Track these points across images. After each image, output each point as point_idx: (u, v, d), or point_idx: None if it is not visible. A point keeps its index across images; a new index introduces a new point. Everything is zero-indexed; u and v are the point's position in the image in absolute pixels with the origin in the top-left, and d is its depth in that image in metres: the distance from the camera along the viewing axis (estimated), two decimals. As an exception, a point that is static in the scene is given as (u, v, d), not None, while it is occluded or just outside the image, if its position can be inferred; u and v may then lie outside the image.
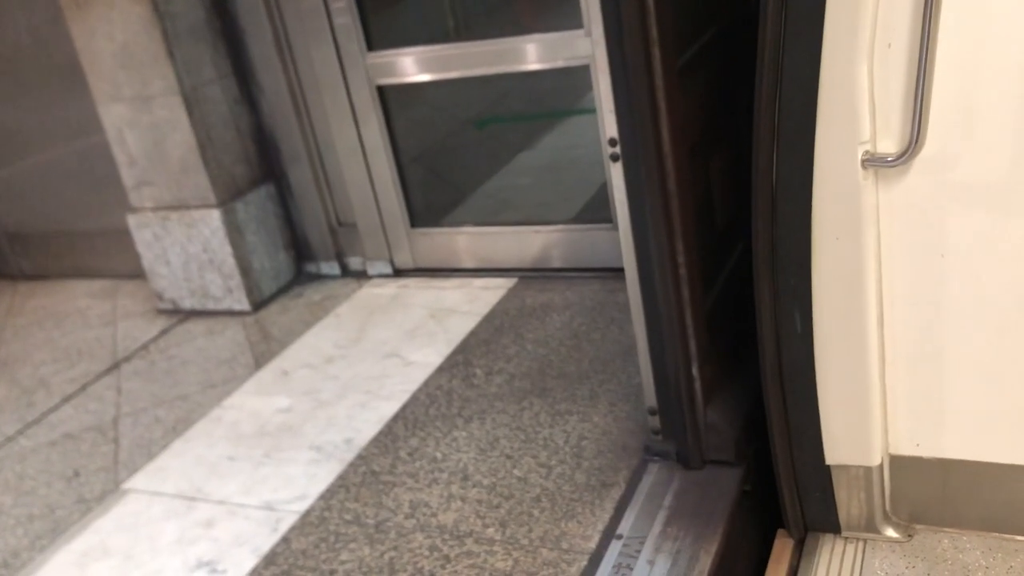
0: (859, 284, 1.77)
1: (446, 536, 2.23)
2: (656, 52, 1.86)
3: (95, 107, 3.61)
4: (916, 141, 1.62)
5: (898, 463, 1.97)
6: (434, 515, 2.31)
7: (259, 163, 3.76)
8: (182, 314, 3.85)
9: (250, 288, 3.72)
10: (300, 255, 3.95)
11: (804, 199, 1.73)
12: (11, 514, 2.70)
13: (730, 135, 2.31)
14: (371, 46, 3.46)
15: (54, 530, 2.58)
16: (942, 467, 1.94)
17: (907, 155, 1.64)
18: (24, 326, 4.08)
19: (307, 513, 2.42)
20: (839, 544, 2.07)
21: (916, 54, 1.56)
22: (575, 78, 3.39)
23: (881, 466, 1.97)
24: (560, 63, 3.24)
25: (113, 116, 3.60)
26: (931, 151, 1.65)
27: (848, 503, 2.03)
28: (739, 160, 2.34)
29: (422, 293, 3.61)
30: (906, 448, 1.95)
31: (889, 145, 1.67)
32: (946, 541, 2.00)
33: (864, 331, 1.81)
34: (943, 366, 1.84)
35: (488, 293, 3.49)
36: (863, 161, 1.67)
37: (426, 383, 2.93)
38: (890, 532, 2.04)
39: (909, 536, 2.03)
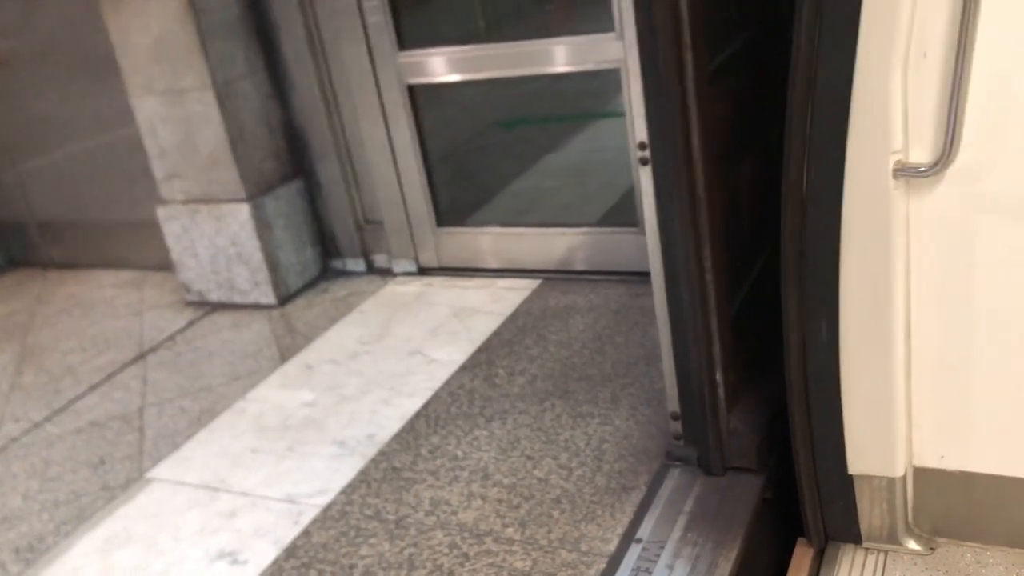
0: (887, 294, 1.76)
1: (465, 534, 2.24)
2: (688, 57, 1.86)
3: (128, 99, 3.66)
4: (949, 152, 1.61)
5: (922, 475, 1.96)
6: (454, 513, 2.32)
7: (288, 159, 3.79)
8: (209, 306, 3.88)
9: (276, 282, 3.75)
10: (326, 251, 3.98)
11: (834, 207, 1.72)
12: (37, 499, 2.73)
13: (759, 141, 2.31)
14: (402, 45, 3.48)
15: (79, 516, 2.62)
16: (967, 480, 1.92)
17: (939, 165, 1.63)
18: (53, 314, 4.13)
19: (328, 507, 2.44)
20: (859, 555, 2.06)
21: (951, 64, 1.55)
22: (603, 81, 3.40)
23: (904, 478, 1.96)
24: (590, 66, 3.25)
25: (146, 109, 3.64)
26: (964, 162, 1.64)
27: (870, 514, 2.02)
28: (768, 166, 2.33)
29: (446, 292, 3.63)
30: (930, 460, 1.94)
31: (921, 155, 1.66)
32: (969, 556, 1.98)
33: (891, 341, 1.80)
34: (970, 378, 1.82)
35: (512, 294, 3.50)
36: (894, 171, 1.66)
37: (448, 381, 2.95)
38: (912, 545, 2.03)
39: (931, 549, 2.02)
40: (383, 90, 3.55)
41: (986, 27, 1.53)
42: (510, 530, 2.23)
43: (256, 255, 3.69)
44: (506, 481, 2.41)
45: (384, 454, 2.62)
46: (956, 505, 1.97)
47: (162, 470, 2.77)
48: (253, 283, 3.76)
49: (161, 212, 3.82)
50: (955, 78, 1.55)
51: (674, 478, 2.29)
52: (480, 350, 3.11)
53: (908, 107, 1.62)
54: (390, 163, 3.67)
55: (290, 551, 2.30)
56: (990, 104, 1.59)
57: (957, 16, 1.52)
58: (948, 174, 1.66)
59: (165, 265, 4.03)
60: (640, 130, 1.98)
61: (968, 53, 1.53)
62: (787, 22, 1.64)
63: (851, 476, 1.98)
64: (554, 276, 3.57)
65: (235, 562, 2.31)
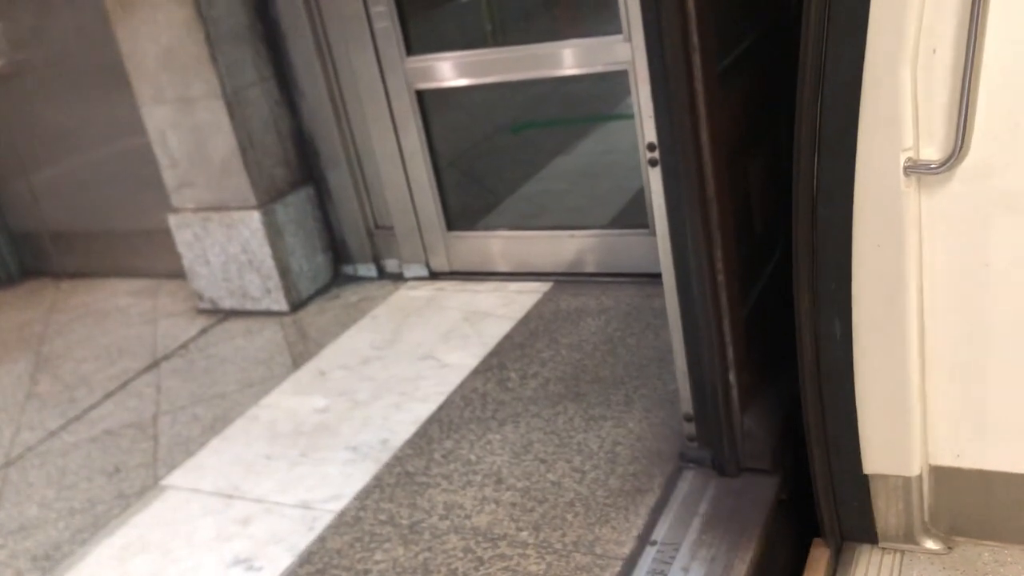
0: (900, 292, 1.75)
1: (480, 538, 2.24)
2: (696, 57, 1.86)
3: (138, 109, 3.68)
4: (960, 148, 1.60)
5: (938, 474, 1.95)
6: (468, 517, 2.32)
7: (298, 166, 3.80)
8: (221, 314, 3.90)
9: (288, 289, 3.75)
10: (338, 257, 3.98)
11: (845, 206, 1.71)
12: (53, 507, 2.75)
13: (769, 140, 2.30)
14: (410, 51, 3.48)
15: (94, 524, 2.63)
16: (984, 479, 1.91)
17: (951, 162, 1.62)
18: (66, 323, 4.15)
19: (342, 512, 2.44)
20: (876, 555, 2.05)
21: (962, 60, 1.54)
22: (612, 83, 3.39)
23: (920, 477, 1.95)
24: (598, 68, 3.24)
25: (156, 118, 3.65)
26: (975, 158, 1.63)
27: (886, 513, 2.01)
28: (778, 165, 2.33)
29: (457, 296, 3.63)
30: (946, 459, 1.93)
31: (932, 152, 1.65)
32: (987, 554, 1.97)
33: (904, 339, 1.79)
34: (986, 376, 1.81)
35: (523, 297, 3.49)
36: (905, 168, 1.65)
37: (461, 385, 2.95)
38: (929, 544, 2.01)
39: (949, 548, 2.00)
40: (392, 96, 3.56)
41: (996, 21, 1.52)
42: (524, 534, 2.23)
43: (267, 262, 3.70)
44: (520, 485, 2.41)
45: (397, 459, 2.62)
46: (973, 504, 1.95)
47: (177, 477, 2.77)
48: (265, 290, 3.77)
49: (173, 220, 3.84)
50: (966, 74, 1.54)
51: (688, 480, 2.28)
52: (492, 354, 3.11)
53: (918, 104, 1.62)
54: (400, 168, 3.68)
55: (305, 557, 2.30)
56: (1002, 100, 1.58)
57: (967, 11, 1.51)
58: (960, 171, 1.65)
59: (177, 273, 4.05)
60: (649, 131, 1.98)
61: (979, 48, 1.52)
62: (795, 20, 1.64)
63: (866, 476, 1.97)
64: (565, 279, 3.57)
65: (250, 568, 2.31)
